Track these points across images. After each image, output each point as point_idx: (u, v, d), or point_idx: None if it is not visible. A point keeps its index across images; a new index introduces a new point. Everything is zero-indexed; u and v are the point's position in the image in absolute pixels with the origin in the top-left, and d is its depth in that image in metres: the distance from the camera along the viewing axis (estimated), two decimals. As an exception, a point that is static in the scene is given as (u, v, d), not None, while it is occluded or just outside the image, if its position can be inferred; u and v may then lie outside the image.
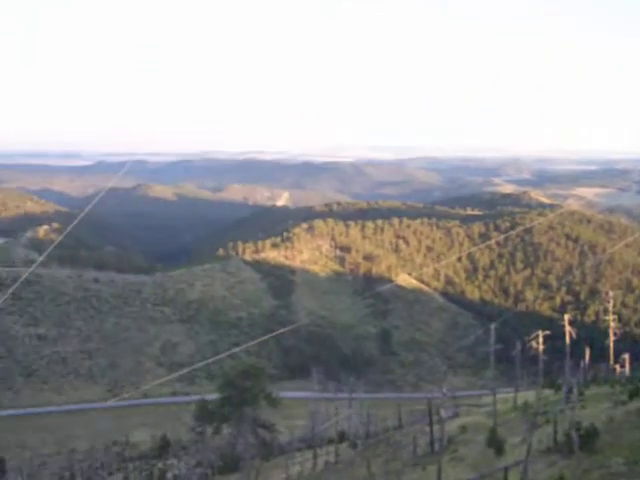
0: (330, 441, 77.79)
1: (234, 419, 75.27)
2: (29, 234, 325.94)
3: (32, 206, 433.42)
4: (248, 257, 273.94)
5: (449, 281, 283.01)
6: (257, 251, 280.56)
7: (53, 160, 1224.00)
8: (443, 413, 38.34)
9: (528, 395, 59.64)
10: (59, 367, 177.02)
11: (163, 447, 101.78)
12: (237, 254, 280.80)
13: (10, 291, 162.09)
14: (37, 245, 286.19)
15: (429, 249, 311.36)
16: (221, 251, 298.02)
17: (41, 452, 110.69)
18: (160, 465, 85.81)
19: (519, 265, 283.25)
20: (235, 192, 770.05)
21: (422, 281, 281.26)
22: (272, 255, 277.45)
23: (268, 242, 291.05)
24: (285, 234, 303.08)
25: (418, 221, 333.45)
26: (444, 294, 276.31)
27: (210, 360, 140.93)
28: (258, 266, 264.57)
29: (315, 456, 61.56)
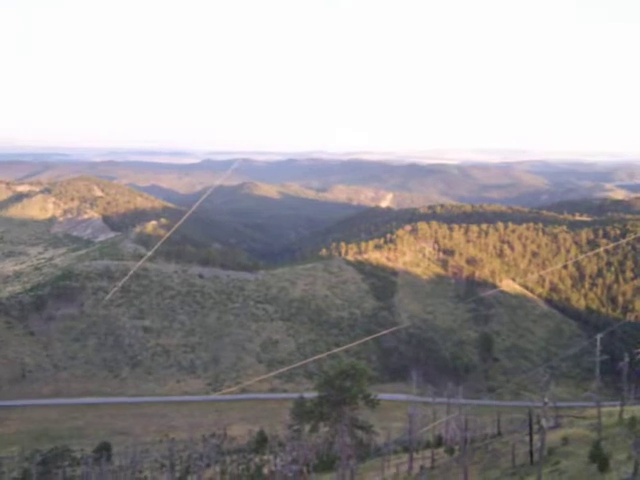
0: (427, 445, 77.02)
1: (332, 418, 75.25)
2: (138, 229, 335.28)
3: (141, 202, 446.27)
4: (351, 257, 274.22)
5: (554, 288, 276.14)
6: (360, 252, 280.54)
7: (162, 158, 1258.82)
8: (544, 423, 37.26)
9: (635, 410, 57.46)
10: (163, 359, 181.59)
11: (260, 442, 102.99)
12: (340, 254, 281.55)
13: (120, 284, 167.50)
14: (145, 240, 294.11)
15: (534, 254, 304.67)
16: (324, 251, 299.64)
17: (143, 440, 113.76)
18: (257, 460, 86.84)
19: (629, 274, 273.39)
20: (339, 192, 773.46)
21: (526, 287, 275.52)
22: (375, 256, 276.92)
23: (371, 243, 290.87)
24: (388, 235, 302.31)
25: (523, 226, 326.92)
26: (548, 301, 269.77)
27: (312, 359, 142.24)
28: (360, 267, 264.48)
29: (411, 459, 61.01)
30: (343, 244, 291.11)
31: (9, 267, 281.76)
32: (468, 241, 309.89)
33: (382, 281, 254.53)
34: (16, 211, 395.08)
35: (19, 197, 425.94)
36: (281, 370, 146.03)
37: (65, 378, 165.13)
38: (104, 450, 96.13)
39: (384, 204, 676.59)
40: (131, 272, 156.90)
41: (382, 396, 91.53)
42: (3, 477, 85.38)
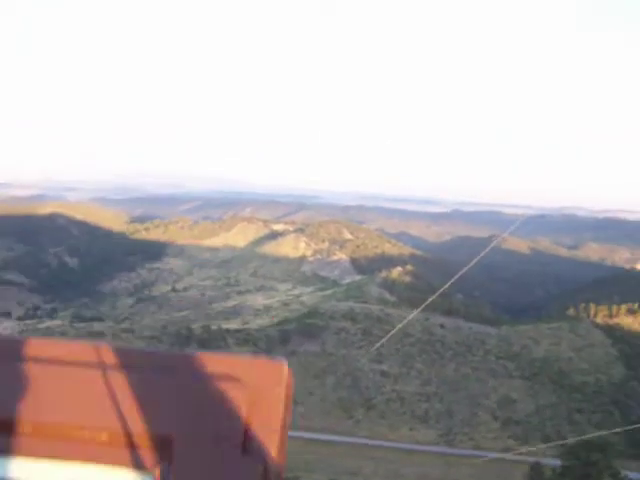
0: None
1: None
2: (383, 274, 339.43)
3: (389, 248, 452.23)
4: (599, 320, 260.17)
5: None
6: (610, 315, 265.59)
7: (411, 205, 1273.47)
8: None
9: None
10: (397, 405, 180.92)
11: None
12: (588, 316, 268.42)
13: (386, 338, 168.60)
14: (390, 285, 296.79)
15: None
16: (571, 311, 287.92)
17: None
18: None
19: None
20: (591, 251, 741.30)
21: None
22: (627, 321, 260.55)
23: (624, 307, 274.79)
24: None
25: None
26: None
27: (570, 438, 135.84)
28: (610, 331, 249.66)
29: None
30: (593, 306, 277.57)
31: (260, 300, 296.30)
32: None
33: (634, 348, 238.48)
34: (270, 248, 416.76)
35: (274, 235, 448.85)
36: (552, 445, 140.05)
37: (302, 412, 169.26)
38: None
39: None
40: (400, 325, 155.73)
41: (629, 474, 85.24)
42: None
